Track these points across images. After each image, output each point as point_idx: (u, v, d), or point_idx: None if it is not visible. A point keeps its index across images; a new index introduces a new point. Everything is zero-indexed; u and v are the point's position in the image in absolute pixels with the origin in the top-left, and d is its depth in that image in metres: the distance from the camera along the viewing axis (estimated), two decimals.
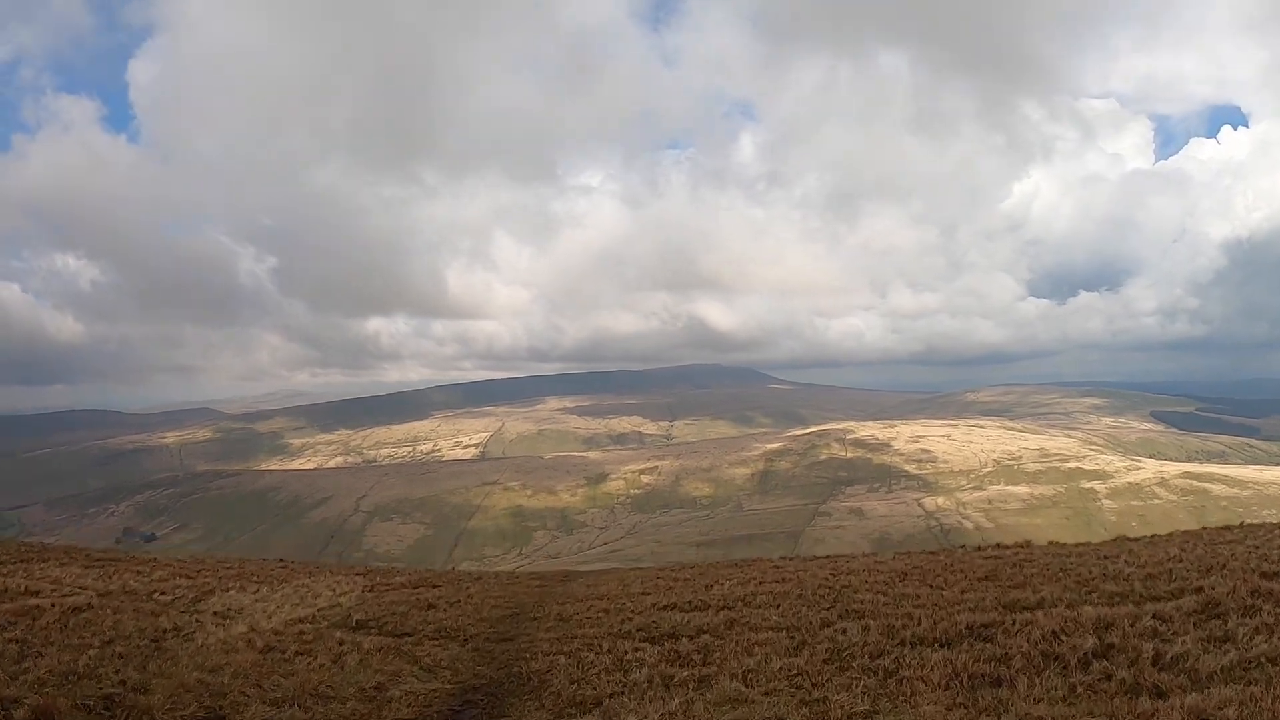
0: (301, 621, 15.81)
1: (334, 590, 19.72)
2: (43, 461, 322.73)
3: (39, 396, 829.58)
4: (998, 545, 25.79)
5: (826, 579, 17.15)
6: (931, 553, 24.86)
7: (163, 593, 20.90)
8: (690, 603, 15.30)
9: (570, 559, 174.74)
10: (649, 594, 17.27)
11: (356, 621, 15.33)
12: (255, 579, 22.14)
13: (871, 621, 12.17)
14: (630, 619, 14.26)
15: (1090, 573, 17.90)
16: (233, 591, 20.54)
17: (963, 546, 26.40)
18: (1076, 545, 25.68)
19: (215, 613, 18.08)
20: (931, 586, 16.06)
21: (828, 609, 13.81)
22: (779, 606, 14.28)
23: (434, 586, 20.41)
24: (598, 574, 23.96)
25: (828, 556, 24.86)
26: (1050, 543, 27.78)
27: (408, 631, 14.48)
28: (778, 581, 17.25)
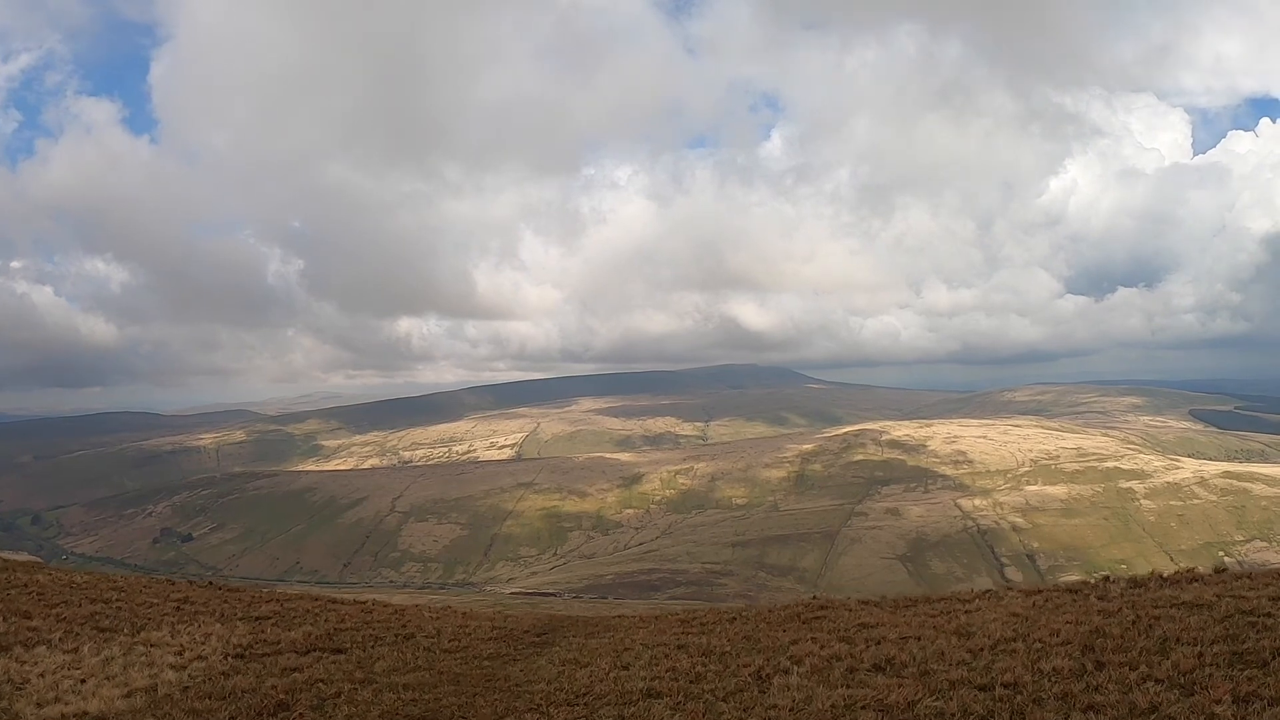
0: None
1: (183, 655, 13.04)
2: (81, 463, 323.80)
3: (76, 399, 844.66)
4: (1159, 577, 18.50)
5: (964, 663, 9.93)
6: (1073, 591, 17.59)
7: None
8: None
9: (605, 559, 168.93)
10: (658, 694, 10.17)
11: None
12: (101, 625, 15.54)
13: None
14: None
15: None
16: (42, 648, 14.01)
17: (1107, 577, 19.10)
18: (1273, 579, 18.14)
19: None
20: (1165, 683, 8.72)
21: None
22: None
23: (337, 651, 13.62)
24: (590, 631, 16.66)
25: (928, 600, 17.37)
26: (1218, 569, 20.38)
27: None
28: (881, 668, 10.00)
